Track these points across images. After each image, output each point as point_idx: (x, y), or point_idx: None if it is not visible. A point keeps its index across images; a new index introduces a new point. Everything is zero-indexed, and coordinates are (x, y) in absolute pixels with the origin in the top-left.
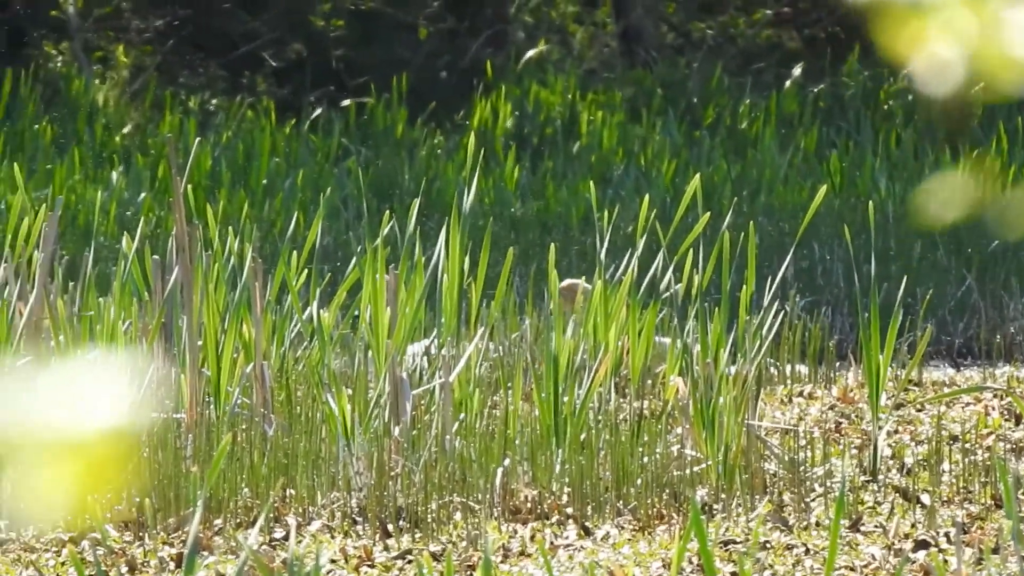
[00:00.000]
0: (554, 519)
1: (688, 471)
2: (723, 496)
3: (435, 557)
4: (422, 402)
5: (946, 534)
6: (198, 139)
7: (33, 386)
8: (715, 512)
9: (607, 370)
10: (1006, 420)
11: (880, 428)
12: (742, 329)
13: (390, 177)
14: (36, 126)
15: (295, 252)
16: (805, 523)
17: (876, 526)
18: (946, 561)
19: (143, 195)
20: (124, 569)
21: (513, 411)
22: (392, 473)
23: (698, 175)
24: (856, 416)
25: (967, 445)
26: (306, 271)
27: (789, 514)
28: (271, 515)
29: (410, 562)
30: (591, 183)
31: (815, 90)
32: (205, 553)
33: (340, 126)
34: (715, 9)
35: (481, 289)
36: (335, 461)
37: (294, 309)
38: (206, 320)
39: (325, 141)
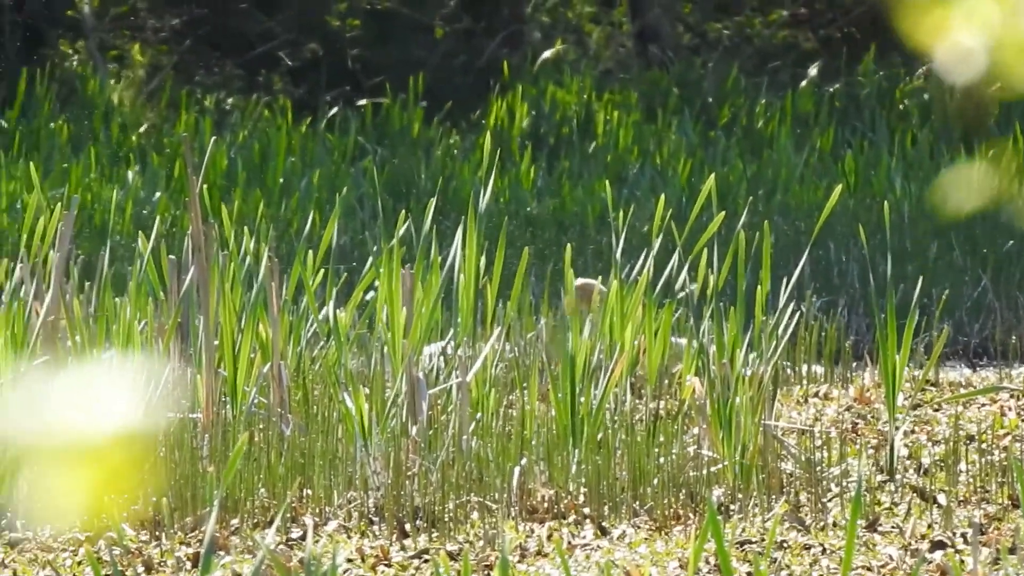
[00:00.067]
0: (571, 519)
1: (704, 471)
2: (740, 496)
3: (452, 556)
4: (438, 402)
5: (963, 534)
6: (214, 138)
7: (50, 387)
8: (732, 512)
9: (623, 370)
10: (1023, 420)
11: (897, 428)
12: (758, 329)
13: (406, 177)
14: (52, 125)
15: (311, 252)
16: (822, 523)
17: (893, 526)
18: (963, 561)
19: (159, 194)
20: (140, 569)
21: (529, 411)
22: (409, 473)
23: (713, 175)
24: (872, 416)
25: (984, 445)
26: (322, 271)
27: (806, 514)
28: (288, 515)
29: (427, 561)
30: (607, 183)
31: (831, 90)
32: (222, 553)
33: (356, 125)
34: (731, 9)
35: (497, 289)
36: (352, 461)
37: (310, 309)
38: (222, 320)
39: (341, 140)
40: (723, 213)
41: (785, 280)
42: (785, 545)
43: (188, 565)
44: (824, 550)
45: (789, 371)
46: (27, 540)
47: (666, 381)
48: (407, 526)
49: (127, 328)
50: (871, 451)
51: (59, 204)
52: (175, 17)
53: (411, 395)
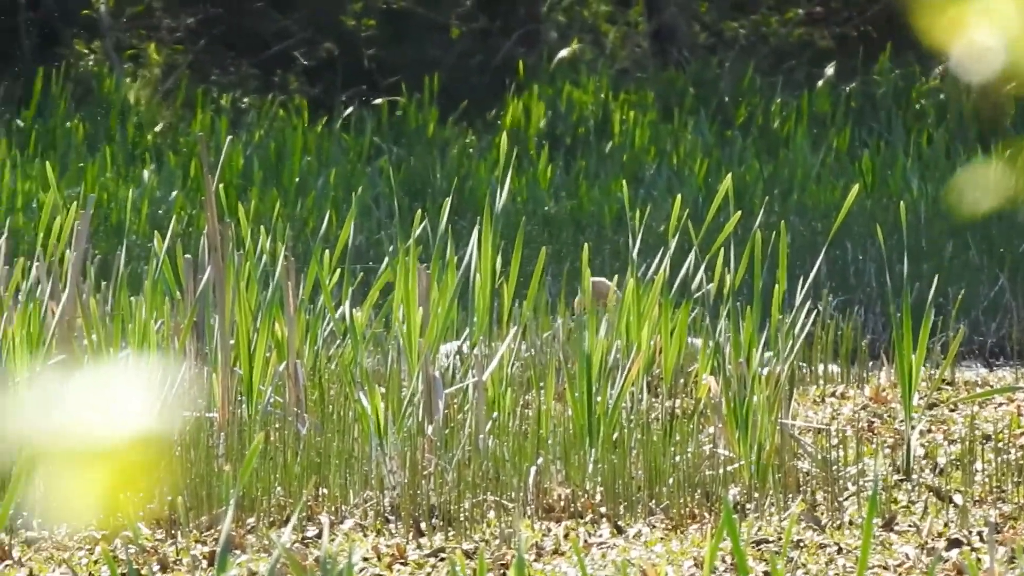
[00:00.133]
0: (587, 518)
1: (720, 470)
2: (756, 495)
3: (468, 555)
4: (455, 401)
5: (979, 533)
6: (230, 137)
7: (66, 386)
8: (748, 511)
9: (639, 369)
10: None
11: (913, 428)
12: (774, 329)
13: (422, 176)
14: (68, 124)
15: (327, 251)
16: (838, 522)
17: (909, 525)
18: (979, 560)
19: (175, 193)
20: (156, 567)
21: (546, 410)
22: (425, 472)
23: (730, 174)
24: (889, 416)
25: (1000, 445)
26: (339, 270)
27: (822, 513)
28: (304, 514)
29: (443, 560)
30: (623, 182)
31: (847, 89)
32: (238, 551)
33: (372, 125)
34: (747, 8)
35: (513, 288)
36: (368, 460)
37: (327, 308)
38: (238, 319)
39: (357, 140)
40: (739, 213)
41: (801, 279)
42: (801, 544)
43: (204, 564)
44: (840, 549)
45: (805, 370)
46: (43, 539)
47: (682, 380)
48: (423, 525)
49: (143, 327)
50: (887, 450)
51: (75, 203)
52: (190, 16)
53: (427, 394)
